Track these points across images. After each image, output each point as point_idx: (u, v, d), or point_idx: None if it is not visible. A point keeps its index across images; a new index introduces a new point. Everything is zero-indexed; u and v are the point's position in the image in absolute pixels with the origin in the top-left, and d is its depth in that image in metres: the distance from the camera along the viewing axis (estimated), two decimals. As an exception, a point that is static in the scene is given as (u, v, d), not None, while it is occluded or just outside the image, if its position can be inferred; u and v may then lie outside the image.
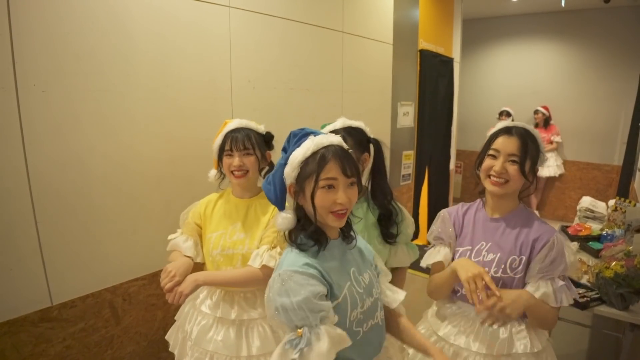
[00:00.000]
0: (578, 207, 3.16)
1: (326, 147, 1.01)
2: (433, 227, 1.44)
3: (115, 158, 1.63)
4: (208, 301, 1.47)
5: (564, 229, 2.76)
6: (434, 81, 4.07)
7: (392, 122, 3.50)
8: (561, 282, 1.21)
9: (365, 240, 1.33)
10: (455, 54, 4.70)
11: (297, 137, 1.05)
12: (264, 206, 1.48)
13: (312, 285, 0.93)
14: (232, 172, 1.44)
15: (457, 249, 1.34)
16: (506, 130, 1.28)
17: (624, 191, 4.36)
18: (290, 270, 0.94)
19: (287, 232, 1.04)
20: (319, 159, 0.99)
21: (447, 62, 4.38)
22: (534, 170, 1.27)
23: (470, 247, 1.31)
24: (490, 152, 1.28)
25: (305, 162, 1.00)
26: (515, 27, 5.68)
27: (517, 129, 1.27)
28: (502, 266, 1.24)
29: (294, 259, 0.98)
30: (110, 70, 1.58)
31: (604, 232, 2.52)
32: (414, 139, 3.92)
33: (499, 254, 1.26)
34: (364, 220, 1.44)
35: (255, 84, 2.20)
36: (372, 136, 1.48)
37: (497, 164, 1.24)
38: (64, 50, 1.44)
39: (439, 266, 1.36)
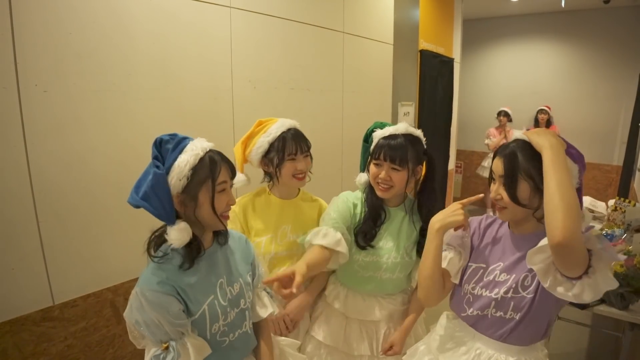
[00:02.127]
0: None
1: (211, 152, 1.01)
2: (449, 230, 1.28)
3: (116, 157, 1.63)
4: None
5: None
6: (434, 81, 4.07)
7: (393, 122, 3.50)
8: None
9: (399, 250, 1.37)
10: (456, 54, 4.71)
11: (173, 143, 0.99)
12: (310, 205, 1.51)
13: (168, 302, 0.93)
14: (295, 175, 1.41)
15: (470, 264, 1.18)
16: (498, 151, 1.10)
17: (623, 191, 4.36)
18: (147, 288, 0.93)
19: (148, 246, 0.99)
20: (209, 163, 0.98)
21: (448, 63, 4.38)
22: (538, 190, 1.01)
23: (484, 266, 1.15)
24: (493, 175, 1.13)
25: (195, 169, 0.96)
26: (515, 27, 5.69)
27: (503, 149, 1.08)
28: (514, 286, 1.06)
29: (149, 277, 0.96)
30: (112, 70, 1.58)
31: (604, 232, 2.52)
32: (414, 139, 3.92)
33: (514, 275, 1.08)
34: (398, 229, 1.41)
35: (256, 84, 2.20)
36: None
37: (493, 189, 1.10)
38: (66, 50, 1.44)
39: (444, 274, 1.20)
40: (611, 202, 2.86)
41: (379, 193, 1.37)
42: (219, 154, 1.04)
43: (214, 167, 0.98)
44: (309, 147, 1.44)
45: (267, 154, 1.41)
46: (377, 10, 3.14)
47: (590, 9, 5.06)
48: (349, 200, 1.43)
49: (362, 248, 1.38)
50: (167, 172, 0.95)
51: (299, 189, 1.54)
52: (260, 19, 2.18)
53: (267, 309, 1.20)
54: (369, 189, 1.42)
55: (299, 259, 1.43)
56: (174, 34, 1.78)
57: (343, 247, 1.31)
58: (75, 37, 1.46)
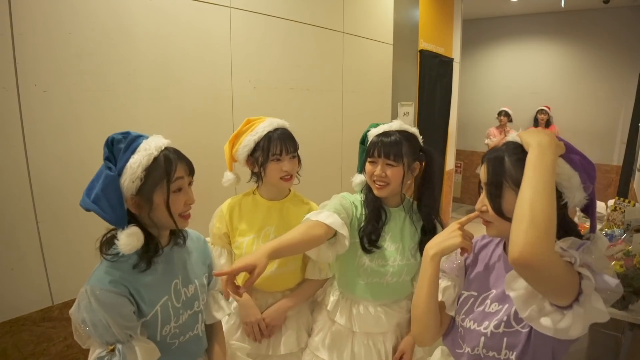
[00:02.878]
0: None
1: (166, 150, 0.97)
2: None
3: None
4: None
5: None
6: (434, 81, 4.07)
7: (392, 122, 3.51)
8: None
9: (400, 252, 1.32)
10: (455, 54, 4.71)
11: (125, 143, 0.93)
12: (297, 206, 1.45)
13: (119, 304, 0.90)
14: (281, 177, 1.38)
15: (462, 291, 1.04)
16: (487, 153, 0.96)
17: (623, 191, 4.36)
18: (98, 287, 0.89)
19: (100, 244, 0.95)
20: (164, 163, 0.94)
21: (447, 63, 4.38)
22: None
23: (475, 294, 0.99)
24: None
25: (149, 170, 0.92)
26: (515, 27, 5.69)
27: (488, 154, 0.94)
28: (505, 319, 0.90)
29: (102, 275, 0.92)
30: (111, 70, 1.58)
31: (604, 232, 2.52)
32: (414, 139, 3.92)
33: (506, 305, 0.91)
34: (400, 231, 1.37)
35: (256, 84, 2.20)
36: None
37: (479, 199, 0.95)
38: (65, 50, 1.44)
39: (440, 307, 1.04)
40: (611, 202, 2.86)
41: (375, 192, 1.34)
42: (175, 152, 1.00)
43: (168, 167, 0.94)
44: (295, 149, 1.41)
45: (252, 153, 1.39)
46: (377, 10, 3.14)
47: (590, 9, 5.06)
48: (350, 200, 1.39)
49: (369, 251, 1.32)
50: (120, 173, 0.91)
51: (290, 190, 1.52)
52: (260, 19, 2.18)
53: (223, 311, 1.17)
54: (367, 189, 1.39)
55: (282, 263, 1.41)
56: (174, 34, 1.78)
57: (345, 232, 1.24)
58: (75, 38, 1.46)
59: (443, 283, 1.05)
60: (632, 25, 4.88)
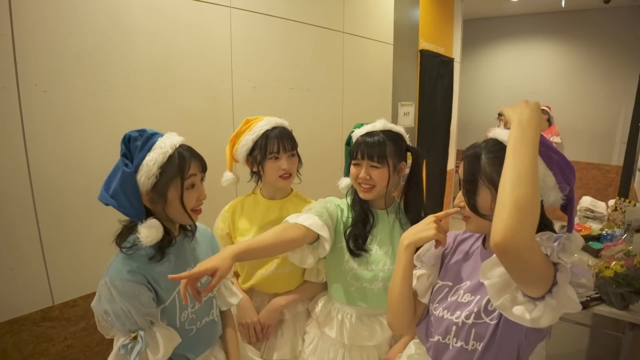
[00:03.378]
0: (578, 207, 3.17)
1: (181, 147, 1.01)
2: (425, 246, 1.13)
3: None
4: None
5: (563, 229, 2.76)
6: (434, 81, 4.07)
7: (393, 122, 3.48)
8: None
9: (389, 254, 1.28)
10: (456, 54, 4.71)
11: (141, 140, 0.97)
12: (297, 205, 1.42)
13: (138, 292, 0.94)
14: (280, 175, 1.37)
15: (437, 281, 1.06)
16: (465, 150, 0.96)
17: (623, 191, 4.36)
18: (117, 278, 0.94)
19: (118, 237, 1.00)
20: (178, 161, 0.97)
21: (448, 62, 4.38)
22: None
23: (450, 284, 1.01)
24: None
25: (164, 167, 0.96)
26: (515, 27, 5.68)
27: (467, 150, 0.94)
28: (476, 310, 0.91)
29: (119, 267, 0.96)
30: (111, 70, 1.58)
31: (604, 232, 2.53)
32: (414, 139, 3.92)
33: (478, 296, 0.93)
34: (389, 234, 1.32)
35: (256, 84, 2.20)
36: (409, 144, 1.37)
37: (458, 195, 0.96)
38: (65, 50, 1.44)
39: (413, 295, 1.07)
40: (611, 202, 2.86)
41: (361, 195, 1.30)
42: (189, 149, 1.03)
43: (182, 164, 0.98)
44: (293, 147, 1.40)
45: (251, 152, 1.39)
46: (377, 10, 3.14)
47: (590, 9, 5.06)
48: (335, 203, 1.36)
49: (356, 255, 1.28)
50: (136, 170, 0.95)
51: (292, 190, 1.52)
52: (260, 19, 2.18)
53: (236, 296, 1.22)
54: (354, 192, 1.35)
55: (280, 264, 1.40)
56: (173, 34, 1.78)
57: (326, 233, 1.21)
58: (75, 37, 1.46)
59: (418, 272, 1.06)
60: (632, 25, 4.88)
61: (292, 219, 1.22)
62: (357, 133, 1.33)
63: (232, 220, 1.46)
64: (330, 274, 1.39)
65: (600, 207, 3.08)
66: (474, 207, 0.89)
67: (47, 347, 1.48)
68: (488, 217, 0.86)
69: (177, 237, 1.08)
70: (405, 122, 3.72)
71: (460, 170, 0.94)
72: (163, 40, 1.74)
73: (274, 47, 2.29)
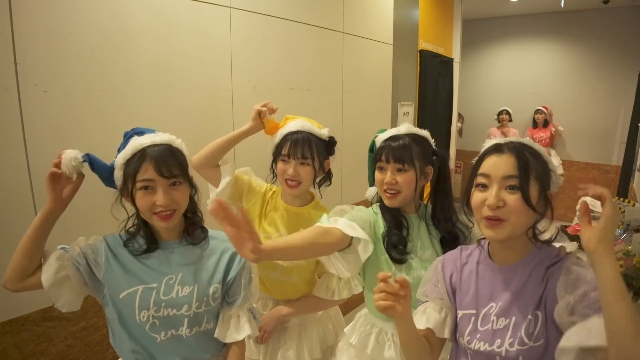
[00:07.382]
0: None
1: (146, 148, 0.99)
2: (426, 276, 1.08)
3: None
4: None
5: (563, 229, 2.75)
6: (434, 81, 4.07)
7: (392, 122, 3.50)
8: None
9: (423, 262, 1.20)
10: (455, 54, 4.71)
11: (126, 137, 1.04)
12: (316, 218, 1.26)
13: (97, 249, 1.06)
14: (285, 180, 1.33)
15: (457, 311, 0.99)
16: (495, 148, 0.92)
17: (623, 191, 4.37)
18: (103, 236, 1.10)
19: (125, 225, 1.09)
20: (136, 160, 0.99)
21: (447, 63, 4.39)
22: (546, 197, 0.89)
23: (474, 311, 0.94)
24: (478, 180, 0.91)
25: (127, 164, 1.00)
26: (515, 27, 5.69)
27: (510, 144, 0.92)
28: (519, 335, 0.85)
29: (111, 235, 1.10)
30: (111, 70, 1.58)
31: (604, 232, 2.52)
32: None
33: (513, 318, 0.87)
34: (421, 242, 1.25)
35: (256, 84, 2.20)
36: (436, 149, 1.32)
37: (491, 196, 0.87)
38: (65, 50, 1.44)
39: (428, 335, 0.99)
40: (611, 202, 2.86)
41: (386, 202, 1.23)
42: (160, 151, 0.99)
43: (138, 164, 0.98)
44: (306, 156, 1.31)
45: (274, 150, 1.39)
46: (377, 11, 3.14)
47: (590, 9, 5.06)
48: (368, 212, 1.28)
49: (400, 261, 1.20)
50: (113, 166, 1.05)
51: (313, 199, 1.46)
52: (260, 19, 2.18)
53: (243, 332, 1.11)
54: (381, 199, 1.29)
55: (284, 271, 1.37)
56: (173, 35, 1.78)
57: (365, 236, 1.13)
58: (75, 38, 1.46)
59: (427, 309, 1.02)
60: (632, 25, 4.88)
61: (329, 223, 1.14)
62: (381, 138, 1.29)
63: (263, 196, 1.44)
64: (369, 289, 1.29)
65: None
66: (528, 201, 0.85)
67: (47, 347, 1.48)
68: (537, 209, 0.87)
69: (173, 242, 1.08)
70: (405, 122, 3.73)
71: (501, 166, 0.88)
72: (163, 41, 1.74)
73: (274, 48, 2.29)
